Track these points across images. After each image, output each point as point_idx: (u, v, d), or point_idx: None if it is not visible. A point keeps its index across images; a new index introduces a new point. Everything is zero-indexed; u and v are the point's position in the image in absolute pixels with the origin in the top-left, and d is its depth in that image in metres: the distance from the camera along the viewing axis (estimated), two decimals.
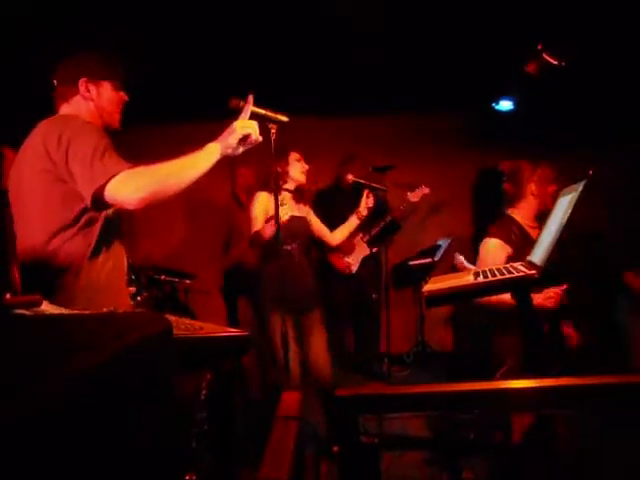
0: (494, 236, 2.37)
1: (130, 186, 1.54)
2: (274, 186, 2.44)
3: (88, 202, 1.58)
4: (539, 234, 1.90)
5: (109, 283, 1.72)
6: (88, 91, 1.76)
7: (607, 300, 3.38)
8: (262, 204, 2.91)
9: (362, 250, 4.09)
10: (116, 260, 1.77)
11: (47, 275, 1.61)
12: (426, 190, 4.11)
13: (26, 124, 1.70)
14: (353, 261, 4.07)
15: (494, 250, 2.35)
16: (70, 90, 1.76)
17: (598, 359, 3.16)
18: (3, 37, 2.97)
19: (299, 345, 2.91)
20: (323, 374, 2.93)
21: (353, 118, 4.98)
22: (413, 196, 4.08)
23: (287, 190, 2.99)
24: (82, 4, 2.84)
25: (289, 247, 2.90)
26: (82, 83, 1.75)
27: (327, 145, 4.57)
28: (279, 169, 2.87)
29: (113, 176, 1.53)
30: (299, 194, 3.04)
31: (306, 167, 2.99)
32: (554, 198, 2.51)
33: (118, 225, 1.79)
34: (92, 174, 1.55)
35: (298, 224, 2.97)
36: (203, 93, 3.79)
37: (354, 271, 4.08)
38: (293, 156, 2.97)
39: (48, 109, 1.78)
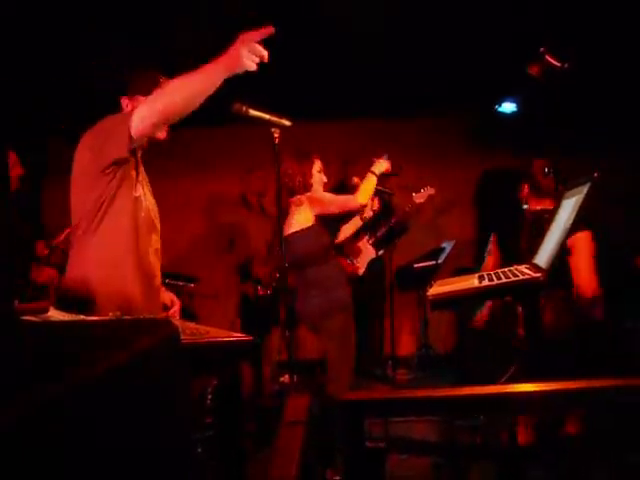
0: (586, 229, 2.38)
1: (142, 112, 1.63)
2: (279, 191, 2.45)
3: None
4: (544, 236, 1.89)
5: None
6: (127, 107, 1.88)
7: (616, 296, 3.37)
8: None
9: (368, 253, 4.06)
10: None
11: None
12: (431, 191, 4.03)
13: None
14: (360, 264, 4.03)
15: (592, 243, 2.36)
16: None
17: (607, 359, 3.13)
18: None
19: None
20: None
21: (355, 120, 4.98)
22: (418, 197, 4.00)
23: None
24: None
25: None
26: (123, 100, 1.89)
27: (330, 147, 4.56)
28: (300, 178, 2.86)
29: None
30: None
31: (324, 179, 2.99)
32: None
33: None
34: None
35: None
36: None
37: (361, 274, 4.05)
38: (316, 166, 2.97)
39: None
